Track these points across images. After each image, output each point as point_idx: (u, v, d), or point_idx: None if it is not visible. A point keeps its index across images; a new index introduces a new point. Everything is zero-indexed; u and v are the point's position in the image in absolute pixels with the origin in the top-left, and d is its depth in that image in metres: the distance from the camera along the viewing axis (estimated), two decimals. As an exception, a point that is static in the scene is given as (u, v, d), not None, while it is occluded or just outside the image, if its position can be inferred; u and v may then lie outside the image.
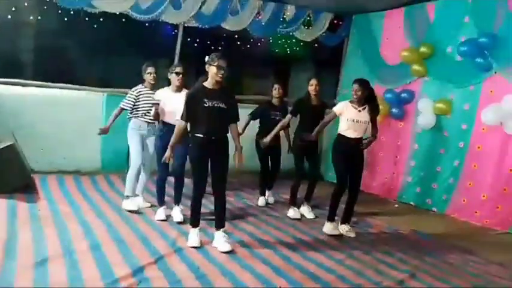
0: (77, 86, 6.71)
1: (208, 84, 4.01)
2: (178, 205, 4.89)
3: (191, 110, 3.99)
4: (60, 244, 3.80)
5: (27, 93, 6.25)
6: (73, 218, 4.55)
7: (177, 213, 4.81)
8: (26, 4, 6.32)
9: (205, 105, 3.94)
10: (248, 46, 8.42)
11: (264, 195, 6.00)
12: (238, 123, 4.24)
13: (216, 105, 3.97)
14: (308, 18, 7.78)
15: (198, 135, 4.00)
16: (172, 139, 4.12)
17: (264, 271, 3.64)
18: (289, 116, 5.44)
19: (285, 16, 7.61)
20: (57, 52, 7.16)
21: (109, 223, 4.49)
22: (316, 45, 8.30)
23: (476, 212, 5.78)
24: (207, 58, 3.99)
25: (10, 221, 4.25)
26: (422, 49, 6.47)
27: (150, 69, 5.09)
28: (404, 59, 6.70)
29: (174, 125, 4.25)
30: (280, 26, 7.61)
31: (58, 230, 4.13)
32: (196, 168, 4.10)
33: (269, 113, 5.79)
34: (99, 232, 4.20)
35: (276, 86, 5.80)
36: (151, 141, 5.17)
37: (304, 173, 5.52)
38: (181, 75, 4.79)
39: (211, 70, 3.94)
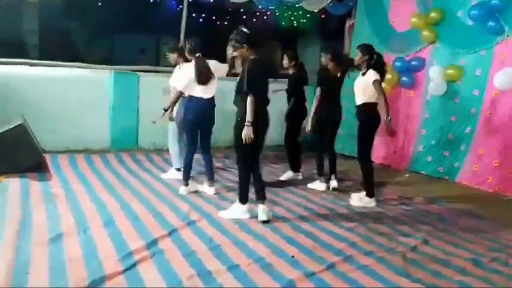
0: (84, 65, 6.72)
1: None
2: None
3: None
4: (74, 221, 3.83)
5: (35, 74, 6.25)
6: (86, 195, 4.58)
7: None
8: (29, -16, 6.28)
9: None
10: (254, 20, 8.31)
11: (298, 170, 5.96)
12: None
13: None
14: (314, -12, 7.62)
15: None
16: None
17: (276, 240, 3.67)
18: (318, 88, 5.32)
19: (290, -14, 7.45)
20: (63, 31, 7.17)
21: (122, 200, 4.51)
22: (323, 15, 8.16)
23: (488, 179, 5.74)
24: None
25: (24, 199, 4.29)
26: (432, 14, 6.33)
27: None
28: (414, 25, 6.57)
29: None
30: (287, -3, 7.46)
31: (72, 208, 4.16)
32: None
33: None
34: (112, 208, 4.23)
35: (284, 56, 5.89)
36: None
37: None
38: None
39: None
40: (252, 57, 4.02)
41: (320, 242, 3.70)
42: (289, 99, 5.79)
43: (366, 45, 4.90)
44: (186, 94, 4.81)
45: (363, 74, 4.82)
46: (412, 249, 3.67)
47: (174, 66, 5.34)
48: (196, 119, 4.83)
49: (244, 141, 3.91)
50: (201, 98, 4.79)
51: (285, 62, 5.84)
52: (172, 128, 5.41)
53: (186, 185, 4.91)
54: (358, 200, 4.92)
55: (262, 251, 3.44)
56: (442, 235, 4.05)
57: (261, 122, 4.01)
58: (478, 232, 4.19)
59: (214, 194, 4.89)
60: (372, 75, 4.70)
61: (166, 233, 3.66)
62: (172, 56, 5.29)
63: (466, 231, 4.21)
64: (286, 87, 5.82)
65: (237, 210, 4.18)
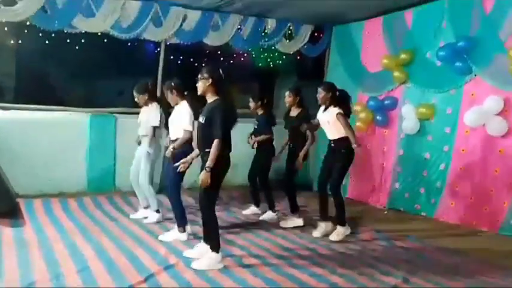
0: (61, 107, 6.68)
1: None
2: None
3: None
4: (47, 268, 3.72)
5: (10, 117, 6.17)
6: (60, 241, 4.46)
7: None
8: (6, 29, 6.27)
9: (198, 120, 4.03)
10: (231, 61, 8.46)
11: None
12: None
13: (200, 120, 3.95)
14: (289, 31, 7.85)
15: None
16: None
17: (256, 284, 3.61)
18: (311, 134, 5.41)
19: (266, 30, 7.67)
20: (40, 75, 7.18)
21: (97, 245, 4.40)
22: (298, 57, 8.37)
23: (464, 215, 5.81)
24: None
25: (-5, 247, 4.16)
26: (402, 56, 6.55)
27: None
28: (385, 66, 6.78)
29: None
30: (262, 40, 7.67)
31: (44, 254, 4.04)
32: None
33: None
34: (87, 254, 4.12)
35: (250, 99, 5.98)
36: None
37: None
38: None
39: None
40: (216, 98, 3.88)
41: (301, 284, 3.66)
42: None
43: (327, 83, 5.15)
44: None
45: (325, 110, 4.98)
46: (392, 288, 3.66)
47: (141, 107, 5.40)
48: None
49: (206, 184, 3.74)
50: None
51: (251, 104, 5.91)
52: (146, 168, 5.28)
53: (184, 230, 4.77)
54: (336, 235, 4.95)
55: (241, 294, 3.39)
56: (421, 273, 4.04)
57: (225, 167, 3.90)
58: (456, 269, 4.21)
59: (190, 235, 4.81)
60: (334, 109, 4.89)
61: (142, 278, 3.57)
62: (142, 97, 5.30)
63: (445, 268, 4.22)
64: (256, 127, 5.87)
65: (212, 260, 3.91)
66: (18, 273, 3.55)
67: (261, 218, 5.83)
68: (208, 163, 3.72)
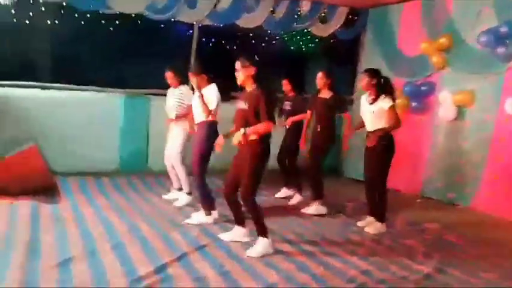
0: (96, 88, 6.78)
1: None
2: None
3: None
4: (83, 244, 3.82)
5: (47, 96, 6.32)
6: (95, 218, 4.57)
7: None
8: (43, 9, 6.38)
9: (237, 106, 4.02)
10: (263, 44, 8.40)
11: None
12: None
13: (242, 105, 3.91)
14: (323, 13, 7.70)
15: None
16: None
17: (287, 267, 3.62)
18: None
19: (299, 12, 7.54)
20: (75, 55, 7.28)
21: (131, 223, 4.50)
22: (332, 40, 8.22)
23: (502, 205, 5.64)
24: None
25: (33, 222, 4.28)
26: (442, 40, 6.34)
27: None
28: (424, 51, 6.58)
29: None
30: (295, 22, 7.55)
31: (81, 231, 4.15)
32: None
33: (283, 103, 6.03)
34: (121, 232, 4.21)
35: (283, 81, 6.10)
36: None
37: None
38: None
39: None
40: (256, 85, 3.87)
41: (332, 269, 3.65)
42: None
43: (372, 69, 4.80)
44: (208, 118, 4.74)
45: (373, 100, 4.69)
46: (425, 277, 3.61)
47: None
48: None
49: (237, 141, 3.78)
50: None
51: (286, 87, 6.04)
52: (180, 150, 5.37)
53: (210, 213, 4.79)
54: (374, 228, 4.82)
55: (273, 278, 3.40)
56: (455, 263, 3.97)
57: (267, 155, 3.89)
58: (491, 259, 4.11)
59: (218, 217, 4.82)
60: (388, 100, 4.59)
61: (175, 257, 3.63)
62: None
63: (480, 258, 4.13)
64: (290, 108, 5.92)
65: (265, 246, 3.92)
66: (56, 249, 3.66)
67: (290, 203, 5.83)
68: (249, 130, 3.75)
